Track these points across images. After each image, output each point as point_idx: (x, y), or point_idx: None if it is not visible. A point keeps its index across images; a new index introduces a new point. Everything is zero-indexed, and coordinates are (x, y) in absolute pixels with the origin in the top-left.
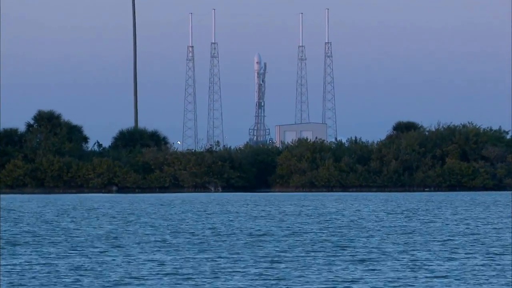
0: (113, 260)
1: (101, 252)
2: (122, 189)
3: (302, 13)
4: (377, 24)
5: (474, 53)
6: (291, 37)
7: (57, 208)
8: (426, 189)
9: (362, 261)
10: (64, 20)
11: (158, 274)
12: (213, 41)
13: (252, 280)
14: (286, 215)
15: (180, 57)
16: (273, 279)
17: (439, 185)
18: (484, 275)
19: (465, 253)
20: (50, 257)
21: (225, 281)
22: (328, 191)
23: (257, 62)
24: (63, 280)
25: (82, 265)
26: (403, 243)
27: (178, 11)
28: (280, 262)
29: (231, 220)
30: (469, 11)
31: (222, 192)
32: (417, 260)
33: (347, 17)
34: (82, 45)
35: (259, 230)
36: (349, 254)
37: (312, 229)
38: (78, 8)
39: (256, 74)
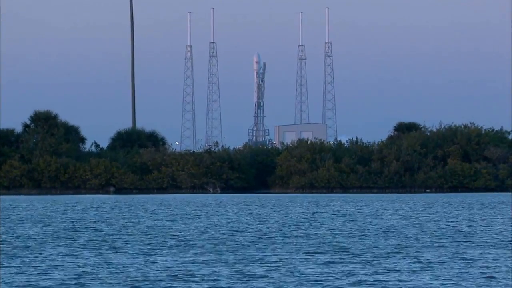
0: (113, 262)
1: (101, 255)
2: (120, 190)
3: (302, 12)
4: (378, 23)
5: (476, 52)
6: (291, 37)
7: (56, 209)
8: (427, 190)
9: (367, 263)
10: (61, 19)
11: (159, 276)
12: (212, 41)
13: (256, 283)
14: (293, 215)
15: (179, 56)
16: (276, 282)
17: (441, 186)
18: (493, 277)
19: (475, 255)
20: (49, 260)
21: (227, 283)
22: (328, 192)
23: (256, 62)
24: (63, 282)
25: (82, 268)
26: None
27: (176, 10)
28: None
29: (232, 221)
30: (471, 10)
31: (220, 193)
32: (430, 262)
33: (348, 16)
34: (79, 44)
35: (262, 231)
36: (355, 257)
37: (316, 232)
38: (75, 7)
39: (255, 73)
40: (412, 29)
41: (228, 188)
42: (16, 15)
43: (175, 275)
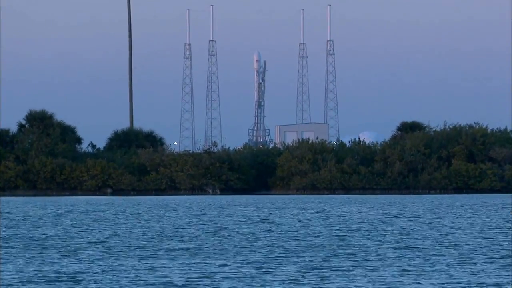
0: (113, 266)
1: (100, 258)
2: (117, 191)
3: (303, 10)
4: (381, 21)
5: (481, 51)
6: (292, 35)
7: (53, 211)
8: (431, 192)
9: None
10: (56, 17)
11: (160, 281)
12: (211, 39)
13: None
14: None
15: (177, 55)
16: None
17: (445, 187)
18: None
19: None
20: (46, 263)
21: None
22: (330, 194)
23: (256, 60)
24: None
25: (80, 272)
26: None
27: (175, 8)
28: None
29: (236, 223)
30: (476, 7)
31: (220, 194)
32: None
33: (350, 14)
34: (75, 42)
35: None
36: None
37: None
38: (70, 4)
39: (255, 72)
40: (416, 26)
41: (227, 189)
42: (10, 12)
43: (177, 279)
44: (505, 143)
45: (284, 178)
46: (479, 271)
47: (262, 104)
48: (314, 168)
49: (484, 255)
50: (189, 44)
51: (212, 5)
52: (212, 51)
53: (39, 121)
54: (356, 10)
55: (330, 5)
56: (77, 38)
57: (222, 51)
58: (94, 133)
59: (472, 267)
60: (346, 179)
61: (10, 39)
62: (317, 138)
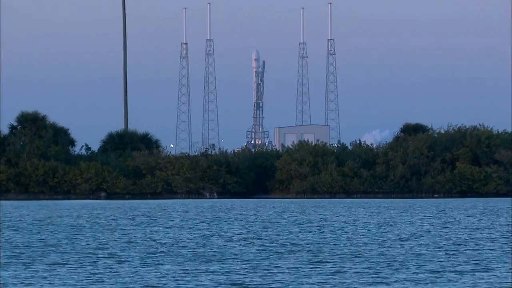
0: (111, 272)
1: (98, 264)
2: (111, 195)
3: (303, 8)
4: (382, 20)
5: (486, 51)
6: (292, 34)
7: (49, 215)
8: (435, 195)
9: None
10: (49, 14)
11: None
12: (209, 38)
13: None
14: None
15: (174, 54)
16: None
17: (449, 191)
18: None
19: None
20: (43, 269)
21: None
22: (331, 197)
23: (255, 60)
24: None
25: (78, 280)
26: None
27: (171, 6)
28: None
29: (240, 229)
30: (478, 6)
31: (217, 198)
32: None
33: (351, 12)
34: (69, 41)
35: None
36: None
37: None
38: (64, 3)
39: (254, 72)
40: (418, 25)
41: (225, 193)
42: (2, 11)
43: (178, 286)
44: (511, 146)
45: (284, 181)
46: (497, 276)
47: (260, 105)
48: (314, 171)
49: (501, 260)
50: (186, 44)
51: (209, 3)
52: (210, 50)
53: (31, 122)
54: (357, 8)
55: (330, 3)
56: (71, 37)
57: (219, 50)
58: (88, 135)
59: (490, 272)
60: (347, 182)
61: (1, 38)
62: (317, 140)
